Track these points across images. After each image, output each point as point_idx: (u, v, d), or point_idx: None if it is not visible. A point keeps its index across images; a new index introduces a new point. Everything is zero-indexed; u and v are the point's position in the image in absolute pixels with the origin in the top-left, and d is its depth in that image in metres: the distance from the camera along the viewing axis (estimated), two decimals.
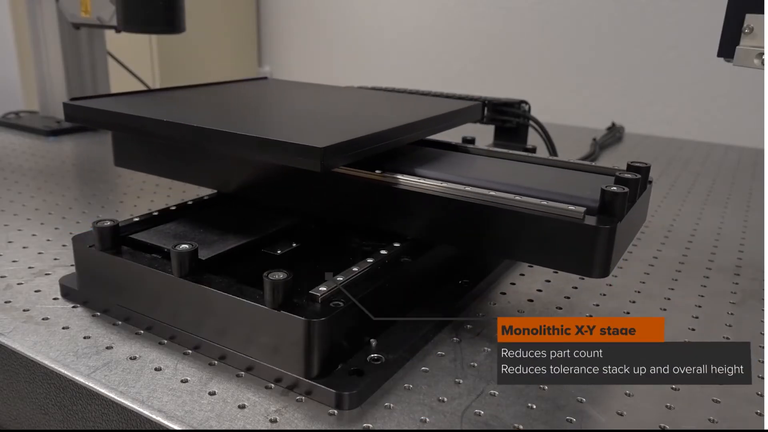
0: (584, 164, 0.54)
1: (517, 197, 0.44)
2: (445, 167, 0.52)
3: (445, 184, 0.47)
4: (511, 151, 0.59)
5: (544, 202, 0.42)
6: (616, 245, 0.41)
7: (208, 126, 0.47)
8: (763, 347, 0.48)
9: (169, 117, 0.50)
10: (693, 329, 0.51)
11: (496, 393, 0.41)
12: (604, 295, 0.56)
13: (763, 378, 0.44)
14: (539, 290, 0.56)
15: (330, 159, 0.43)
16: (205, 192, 0.62)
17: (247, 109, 0.62)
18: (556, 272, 0.60)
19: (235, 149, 0.47)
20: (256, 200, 0.58)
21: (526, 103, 0.91)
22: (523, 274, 0.59)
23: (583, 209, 0.41)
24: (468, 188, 0.46)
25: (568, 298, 0.55)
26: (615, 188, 0.42)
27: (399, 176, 0.48)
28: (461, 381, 0.42)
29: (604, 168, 0.53)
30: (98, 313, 0.49)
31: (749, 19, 0.54)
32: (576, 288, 0.57)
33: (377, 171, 0.49)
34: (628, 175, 0.45)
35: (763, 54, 0.54)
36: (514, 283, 0.57)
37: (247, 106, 0.64)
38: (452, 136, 0.63)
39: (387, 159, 0.52)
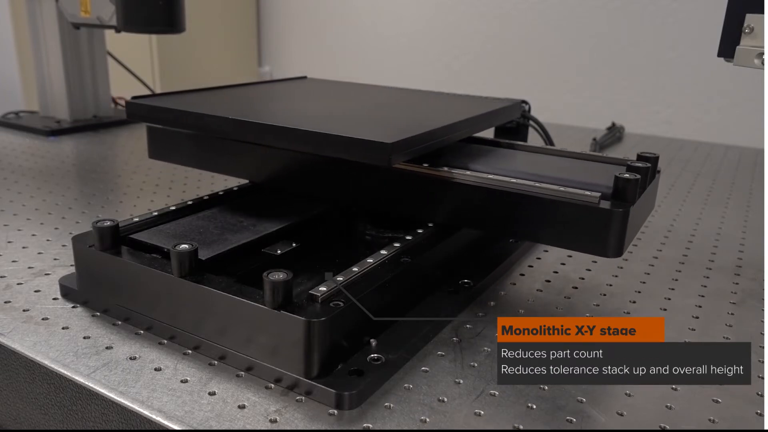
0: (597, 155, 0.58)
1: (538, 184, 0.47)
2: (469, 159, 0.55)
3: (470, 173, 0.49)
4: (528, 144, 0.62)
5: (563, 188, 0.46)
6: (628, 228, 0.44)
7: (276, 123, 0.50)
8: (763, 347, 0.48)
9: (234, 115, 0.52)
10: (693, 329, 0.51)
11: (496, 393, 0.41)
12: (604, 295, 0.56)
13: (763, 378, 0.44)
14: (539, 290, 0.56)
15: (396, 154, 0.46)
16: (204, 192, 0.62)
17: (302, 107, 0.64)
18: (556, 272, 0.60)
19: (301, 145, 0.49)
20: (290, 190, 0.60)
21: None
22: (523, 275, 0.59)
23: (598, 194, 0.44)
24: (491, 176, 0.49)
25: (568, 298, 0.55)
26: (627, 175, 0.45)
27: (426, 165, 0.51)
28: (461, 381, 0.42)
29: (615, 159, 0.56)
30: (98, 313, 0.49)
31: (749, 19, 0.54)
32: (576, 288, 0.57)
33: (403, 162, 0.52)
34: (638, 164, 0.49)
35: (763, 54, 0.54)
36: (514, 284, 0.57)
37: (300, 104, 0.66)
38: None
39: None
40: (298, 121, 0.52)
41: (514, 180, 0.48)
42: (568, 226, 0.45)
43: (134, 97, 0.60)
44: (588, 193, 0.44)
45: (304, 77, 0.82)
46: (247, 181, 0.66)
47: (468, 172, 0.50)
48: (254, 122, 0.51)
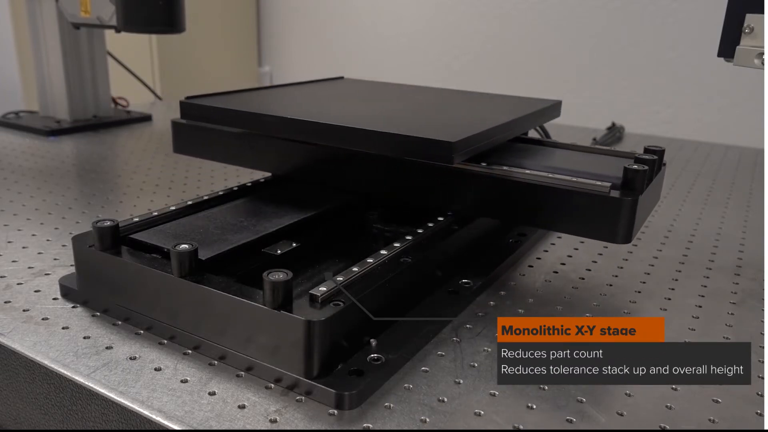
0: (608, 149, 0.62)
1: (553, 175, 0.50)
2: (491, 154, 0.57)
3: (485, 166, 0.52)
4: (543, 139, 0.66)
5: (575, 179, 0.49)
6: (637, 215, 0.47)
7: (337, 123, 0.52)
8: (763, 347, 0.48)
9: (291, 115, 0.55)
10: (693, 329, 0.51)
11: (496, 393, 0.41)
12: (604, 295, 0.56)
13: (763, 378, 0.44)
14: (539, 290, 0.56)
15: (457, 153, 0.48)
16: (204, 192, 0.62)
17: (353, 107, 0.66)
18: (556, 272, 0.60)
19: (363, 145, 0.52)
20: (314, 181, 0.62)
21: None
22: (523, 275, 0.59)
23: (608, 184, 0.47)
24: (505, 168, 0.52)
25: (568, 298, 0.55)
26: (636, 166, 0.48)
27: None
28: (461, 381, 0.42)
29: (624, 152, 0.60)
30: (98, 313, 0.49)
31: (749, 19, 0.54)
32: (576, 288, 0.57)
33: None
34: (646, 157, 0.52)
35: (763, 54, 0.54)
36: (514, 283, 0.57)
37: (350, 104, 0.68)
38: None
39: None
40: (356, 120, 0.54)
41: (528, 172, 0.51)
42: (581, 215, 0.48)
43: (188, 98, 0.62)
44: (599, 183, 0.47)
45: (341, 77, 0.84)
46: (247, 181, 0.66)
47: (483, 165, 0.52)
48: (316, 122, 0.53)
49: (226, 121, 0.59)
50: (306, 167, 0.61)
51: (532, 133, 0.92)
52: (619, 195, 0.47)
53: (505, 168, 0.52)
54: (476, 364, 0.44)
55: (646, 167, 0.48)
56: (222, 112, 0.59)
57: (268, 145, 0.61)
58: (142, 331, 0.47)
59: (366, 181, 0.58)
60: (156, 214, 0.54)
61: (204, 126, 0.63)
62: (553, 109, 0.70)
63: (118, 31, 1.00)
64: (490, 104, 0.70)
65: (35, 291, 0.52)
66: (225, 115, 0.59)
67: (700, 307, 0.54)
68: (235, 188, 0.63)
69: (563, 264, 0.62)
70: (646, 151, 0.55)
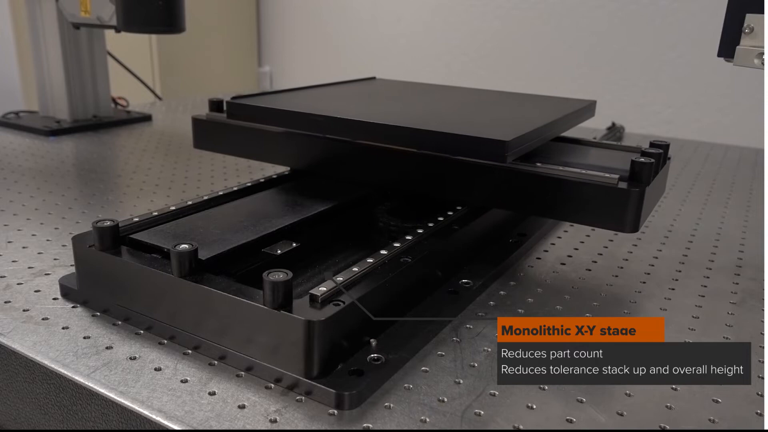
0: (615, 144, 0.66)
1: (564, 168, 0.52)
2: None
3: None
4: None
5: (585, 172, 0.51)
6: (644, 206, 0.49)
7: (390, 123, 0.55)
8: (763, 347, 0.48)
9: (343, 115, 0.58)
10: (693, 329, 0.51)
11: (496, 393, 0.41)
12: (604, 295, 0.56)
13: (763, 378, 0.44)
14: (539, 290, 0.56)
15: (510, 152, 0.51)
16: (204, 191, 0.62)
17: (398, 108, 0.68)
18: (556, 272, 0.60)
19: (416, 144, 0.55)
20: (333, 175, 0.64)
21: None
22: (523, 275, 0.59)
23: (617, 176, 0.50)
24: (517, 161, 0.54)
25: (568, 298, 0.55)
26: (642, 159, 0.50)
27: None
28: (461, 381, 0.42)
29: (630, 147, 0.64)
30: (98, 313, 0.49)
31: (749, 19, 0.54)
32: (575, 288, 0.57)
33: None
34: (652, 150, 0.54)
35: (763, 54, 0.54)
36: (514, 283, 0.57)
37: (393, 104, 0.69)
38: None
39: None
40: (407, 120, 0.56)
41: (540, 165, 0.53)
42: (591, 205, 0.50)
43: (234, 98, 0.64)
44: (608, 175, 0.50)
45: (374, 78, 0.85)
46: (247, 181, 0.66)
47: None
48: (368, 122, 0.56)
49: (275, 121, 0.61)
50: (330, 162, 0.62)
51: None
52: (626, 186, 0.49)
53: (517, 161, 0.53)
54: (476, 364, 0.44)
55: (652, 160, 0.50)
56: (271, 112, 0.61)
57: (298, 142, 0.63)
58: (142, 331, 0.47)
59: (386, 176, 0.60)
60: (156, 214, 0.54)
61: (224, 122, 0.65)
62: (588, 109, 0.71)
63: (118, 31, 1.00)
64: (529, 104, 0.71)
65: (35, 291, 0.52)
66: (274, 115, 0.61)
67: (700, 307, 0.54)
68: (235, 188, 0.63)
69: (563, 264, 0.62)
70: (652, 145, 0.57)
